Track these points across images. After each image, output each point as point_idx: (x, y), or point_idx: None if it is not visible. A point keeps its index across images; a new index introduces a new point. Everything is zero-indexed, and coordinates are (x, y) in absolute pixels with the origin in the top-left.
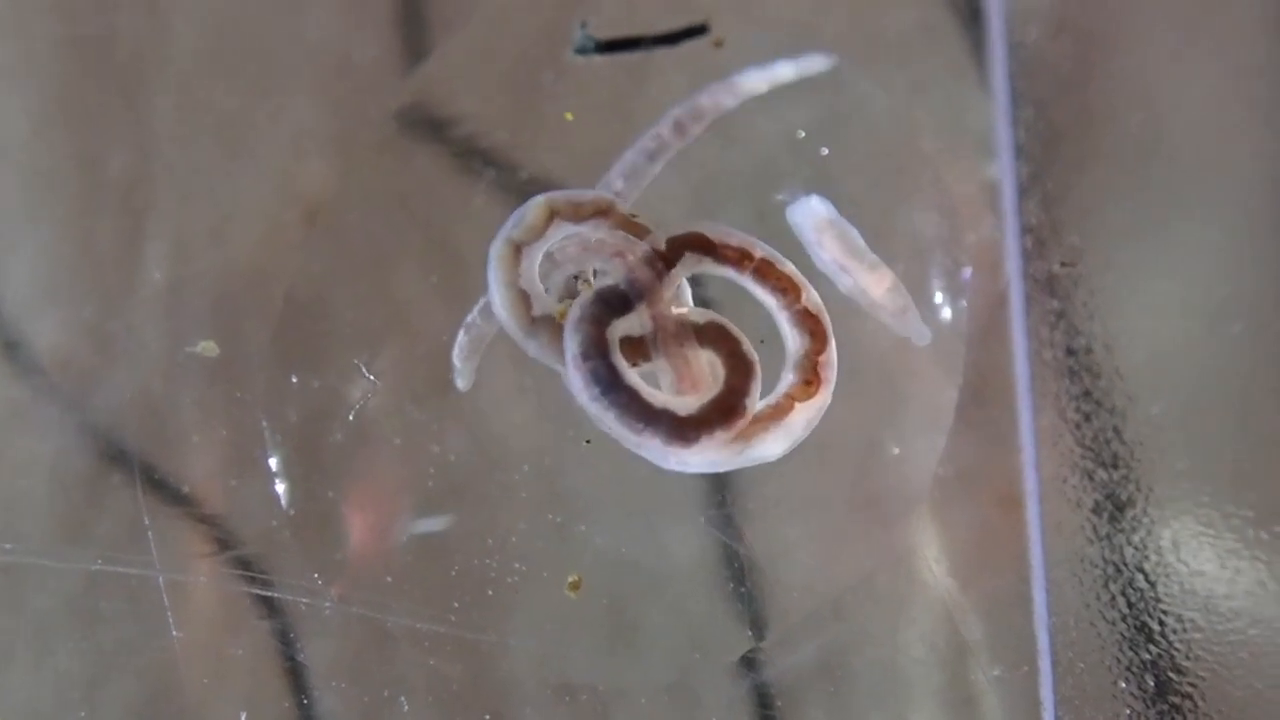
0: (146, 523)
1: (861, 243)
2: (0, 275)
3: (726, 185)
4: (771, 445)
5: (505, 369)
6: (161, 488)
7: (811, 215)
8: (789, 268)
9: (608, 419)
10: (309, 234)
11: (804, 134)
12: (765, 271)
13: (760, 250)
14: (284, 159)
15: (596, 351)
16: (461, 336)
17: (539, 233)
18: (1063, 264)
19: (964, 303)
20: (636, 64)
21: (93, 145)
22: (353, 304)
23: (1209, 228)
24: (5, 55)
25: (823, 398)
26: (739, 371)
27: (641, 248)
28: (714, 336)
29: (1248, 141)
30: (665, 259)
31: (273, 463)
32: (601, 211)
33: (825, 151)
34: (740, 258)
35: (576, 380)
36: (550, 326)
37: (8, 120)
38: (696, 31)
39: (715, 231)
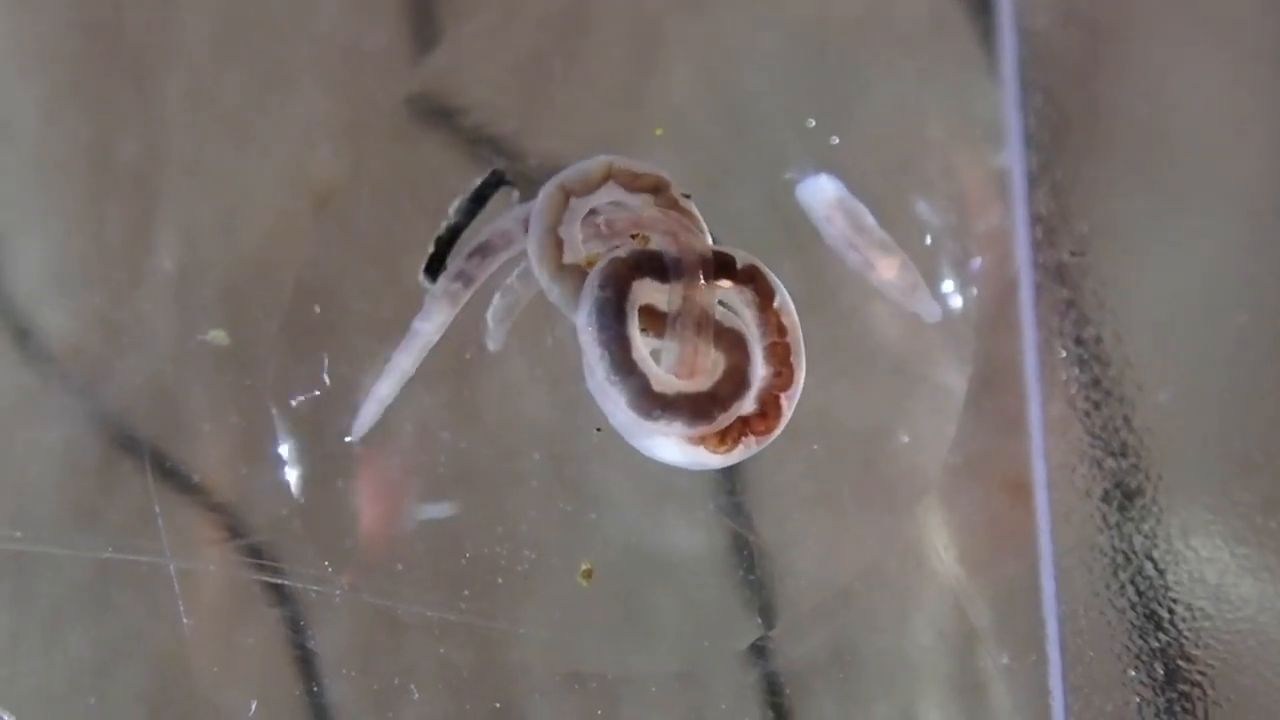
0: (157, 510)
1: (871, 220)
2: (10, 263)
3: (736, 173)
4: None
5: (517, 357)
6: (172, 475)
7: (821, 194)
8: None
9: (595, 356)
10: (319, 222)
11: (814, 123)
12: (776, 332)
13: (790, 330)
14: (294, 147)
15: (613, 305)
16: (497, 299)
17: (591, 187)
18: (1072, 253)
19: (974, 291)
20: (645, 55)
21: (103, 133)
22: (363, 292)
23: (1218, 217)
24: (16, 43)
25: (772, 433)
26: (732, 382)
27: (698, 239)
28: (729, 343)
29: (1256, 130)
30: (716, 267)
31: (283, 450)
32: (655, 187)
33: (835, 140)
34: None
35: (583, 316)
36: (576, 276)
37: (18, 109)
38: (496, 184)
39: (775, 284)
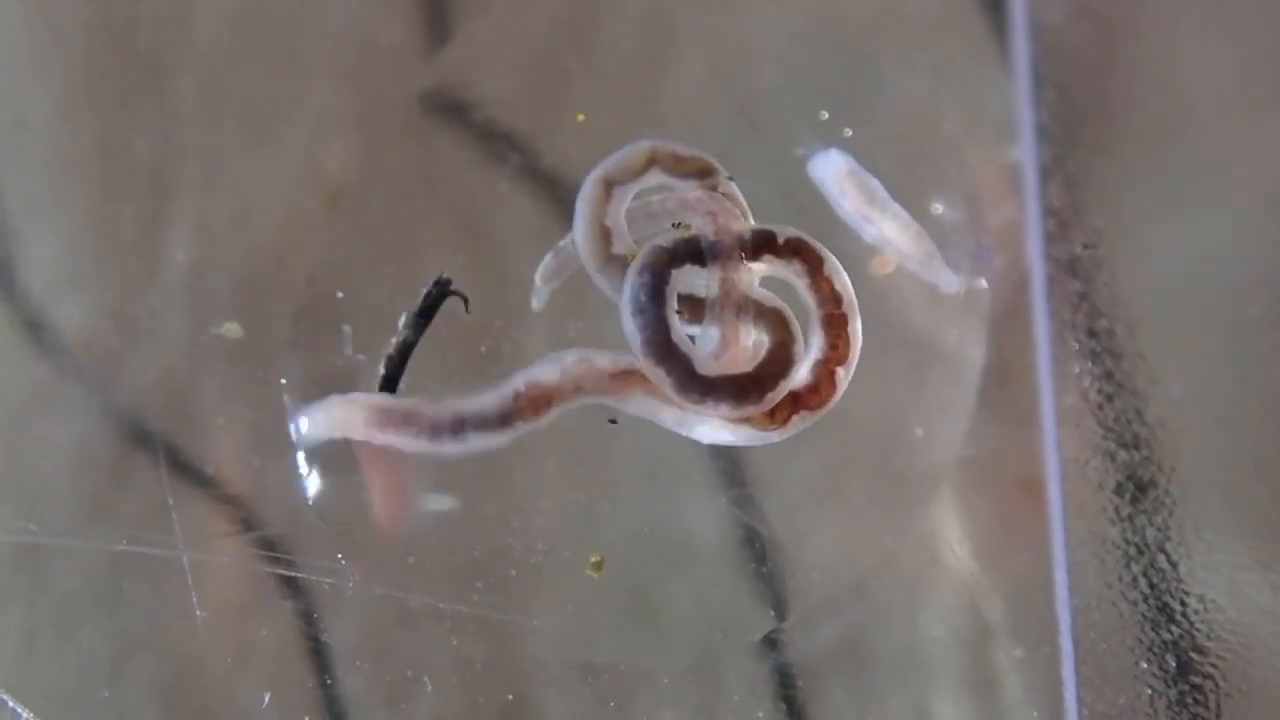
0: (170, 504)
1: (884, 193)
2: (25, 259)
3: (750, 166)
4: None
5: (531, 349)
6: (185, 469)
7: (832, 168)
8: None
9: (637, 342)
10: (332, 217)
11: (827, 115)
12: (831, 301)
13: (845, 296)
14: (307, 142)
15: (651, 299)
16: (549, 258)
17: (634, 174)
18: (1085, 246)
19: (986, 285)
20: (658, 50)
21: (117, 129)
22: (376, 286)
23: (1229, 210)
24: (30, 40)
25: (825, 406)
26: (776, 362)
27: (738, 221)
28: (772, 322)
29: (1268, 124)
30: (756, 244)
31: (296, 444)
32: (701, 172)
33: (849, 133)
34: (829, 295)
35: (624, 303)
36: (622, 265)
37: (32, 105)
38: (442, 295)
39: (822, 251)
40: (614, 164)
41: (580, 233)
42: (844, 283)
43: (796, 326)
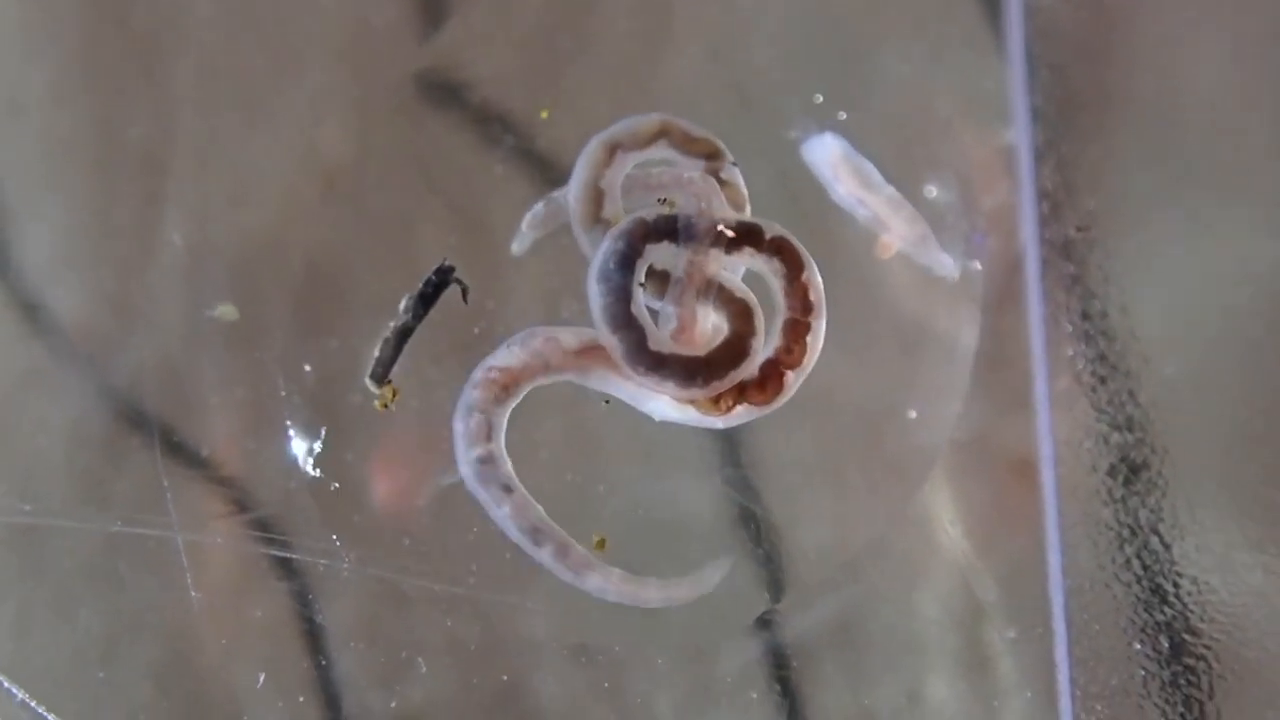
0: (165, 485)
1: (878, 176)
2: (20, 241)
3: (745, 149)
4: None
5: (523, 330)
6: (180, 450)
7: (826, 151)
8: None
9: (597, 307)
10: (328, 198)
11: (821, 98)
12: (800, 308)
13: (814, 308)
14: (303, 124)
15: (620, 267)
16: (539, 206)
17: (641, 143)
18: (1078, 228)
19: (979, 267)
20: (653, 32)
21: (112, 111)
22: (371, 267)
23: (1223, 193)
24: (25, 21)
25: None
26: (730, 351)
27: (722, 207)
28: (735, 312)
29: (1262, 108)
30: (739, 235)
31: (291, 425)
32: (709, 154)
33: (843, 116)
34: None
35: (592, 269)
36: (608, 229)
37: (27, 86)
38: (443, 282)
39: (805, 257)
40: (623, 129)
41: (574, 190)
42: (818, 293)
43: (760, 321)
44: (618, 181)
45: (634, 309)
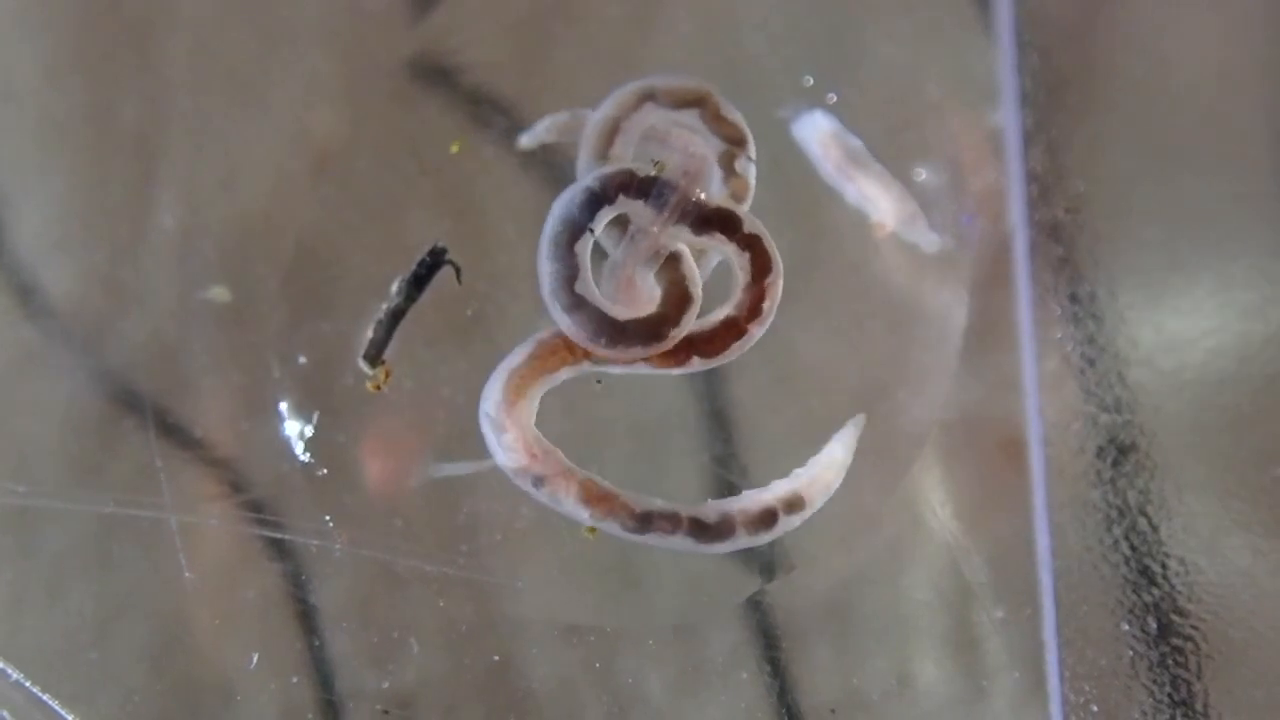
0: (158, 466)
1: (866, 154)
2: (13, 222)
3: None
4: None
5: (516, 314)
6: (173, 431)
7: (815, 129)
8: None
9: (548, 233)
10: (319, 181)
11: (811, 81)
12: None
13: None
14: (295, 106)
15: (586, 205)
16: (565, 114)
17: (674, 102)
18: (1067, 210)
19: (968, 249)
20: (643, 14)
21: (104, 92)
22: (363, 249)
23: (1210, 174)
24: (18, 4)
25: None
26: (676, 297)
27: (707, 188)
28: (671, 296)
29: (1249, 89)
30: (714, 219)
31: (283, 407)
32: (733, 139)
33: (833, 98)
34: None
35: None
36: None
37: (20, 68)
38: (437, 264)
39: (775, 261)
40: (663, 82)
41: (595, 121)
42: (774, 300)
43: (690, 316)
44: (637, 128)
45: (579, 288)
